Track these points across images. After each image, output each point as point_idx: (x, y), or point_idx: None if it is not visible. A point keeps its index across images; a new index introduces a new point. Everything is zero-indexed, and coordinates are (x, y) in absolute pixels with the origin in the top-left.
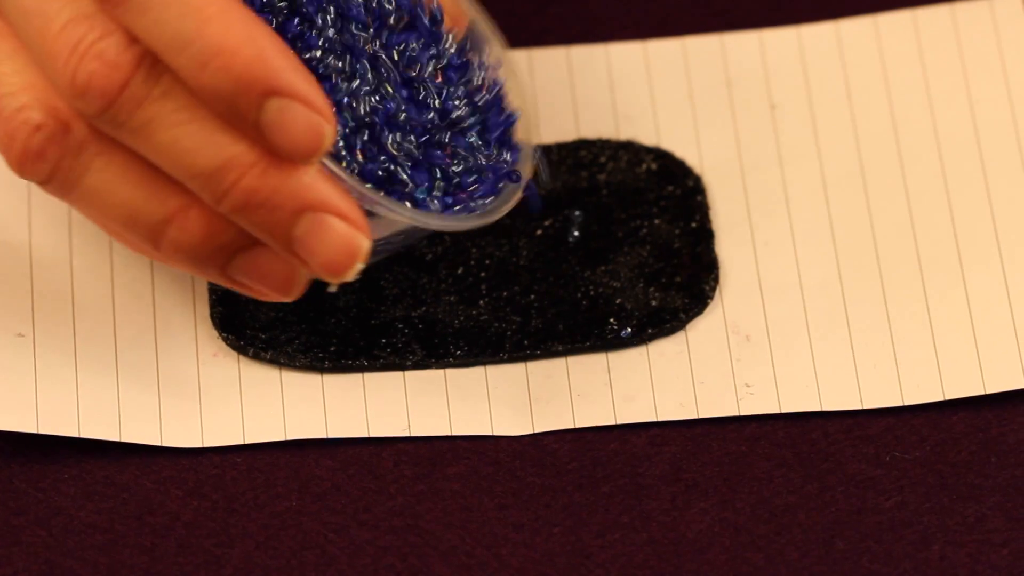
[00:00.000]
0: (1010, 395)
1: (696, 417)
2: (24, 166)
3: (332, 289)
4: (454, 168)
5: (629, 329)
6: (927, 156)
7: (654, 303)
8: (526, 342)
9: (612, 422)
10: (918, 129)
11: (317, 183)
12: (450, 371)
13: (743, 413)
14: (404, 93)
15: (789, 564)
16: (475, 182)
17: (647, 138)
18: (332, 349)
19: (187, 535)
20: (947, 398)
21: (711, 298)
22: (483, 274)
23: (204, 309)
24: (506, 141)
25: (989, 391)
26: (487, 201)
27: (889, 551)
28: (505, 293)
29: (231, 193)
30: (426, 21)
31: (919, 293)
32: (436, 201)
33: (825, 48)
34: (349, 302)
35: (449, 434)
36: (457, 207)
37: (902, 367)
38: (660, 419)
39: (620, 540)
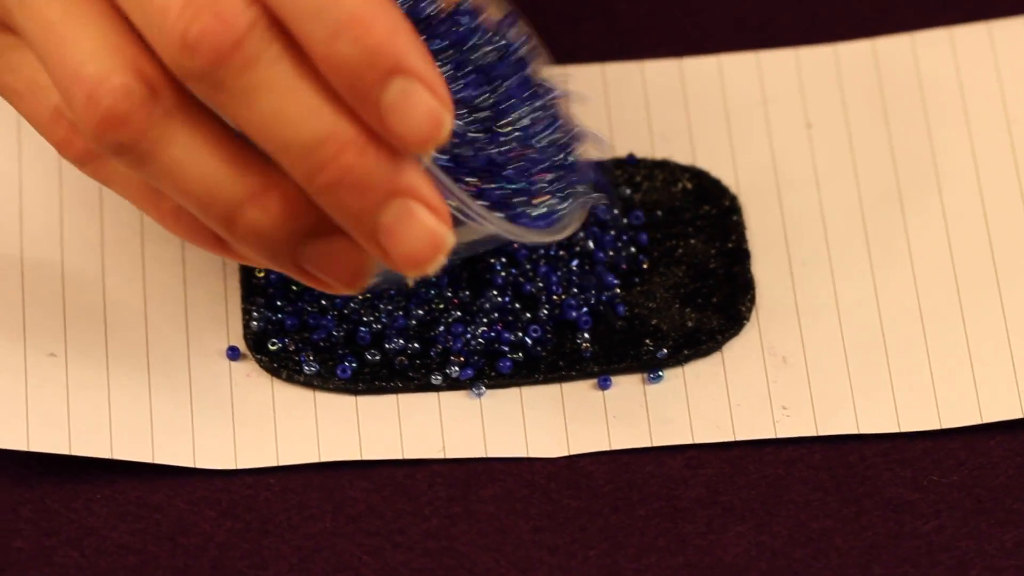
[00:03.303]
0: None
1: (732, 439)
2: (105, 131)
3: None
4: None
5: (665, 350)
6: (964, 175)
7: (690, 324)
8: (561, 363)
9: (648, 444)
10: (955, 148)
11: (411, 169)
12: (485, 392)
13: (780, 436)
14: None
15: None
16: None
17: (683, 157)
18: (366, 370)
19: (220, 556)
20: (985, 421)
21: (747, 319)
22: (518, 294)
23: (238, 329)
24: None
25: None
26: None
27: None
28: (541, 314)
29: (327, 169)
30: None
31: (956, 314)
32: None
33: (861, 66)
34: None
35: (484, 456)
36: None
37: (940, 390)
38: (696, 441)
39: (656, 564)
